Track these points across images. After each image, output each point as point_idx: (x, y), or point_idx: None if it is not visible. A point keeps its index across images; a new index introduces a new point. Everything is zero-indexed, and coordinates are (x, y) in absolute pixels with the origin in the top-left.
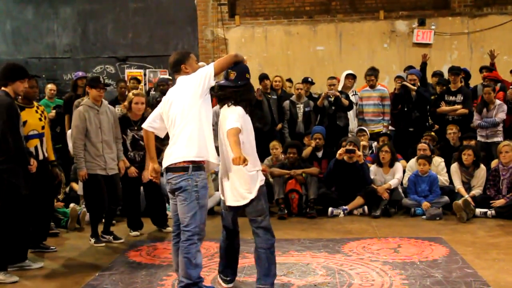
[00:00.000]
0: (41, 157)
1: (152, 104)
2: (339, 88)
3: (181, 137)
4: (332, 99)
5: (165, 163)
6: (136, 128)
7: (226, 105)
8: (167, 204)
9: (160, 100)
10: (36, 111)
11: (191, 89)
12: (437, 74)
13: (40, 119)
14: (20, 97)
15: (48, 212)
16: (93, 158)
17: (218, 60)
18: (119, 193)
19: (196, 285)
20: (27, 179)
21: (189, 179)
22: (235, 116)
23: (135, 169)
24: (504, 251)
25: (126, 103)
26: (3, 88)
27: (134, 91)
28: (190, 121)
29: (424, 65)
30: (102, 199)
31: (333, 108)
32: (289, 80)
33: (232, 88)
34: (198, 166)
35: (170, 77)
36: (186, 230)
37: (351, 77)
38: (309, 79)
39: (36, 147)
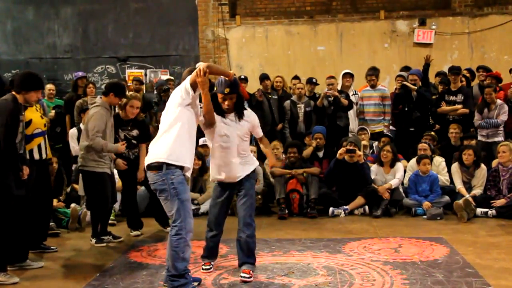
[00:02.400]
0: (44, 156)
1: (147, 105)
2: (338, 88)
3: (160, 140)
4: (332, 99)
5: (145, 163)
6: (128, 128)
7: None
8: None
9: (156, 102)
10: (36, 110)
11: (173, 98)
12: (441, 74)
13: (42, 117)
14: None
15: (48, 211)
16: (100, 157)
17: (192, 74)
18: (115, 191)
19: (182, 276)
20: (20, 180)
21: (164, 178)
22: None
23: (123, 161)
24: (505, 251)
25: (121, 102)
26: (14, 93)
27: (132, 94)
28: (169, 127)
29: (427, 66)
30: (107, 197)
31: (331, 108)
32: (296, 78)
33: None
34: (171, 165)
35: (172, 77)
36: (173, 225)
37: (349, 76)
38: (314, 80)
39: (39, 145)
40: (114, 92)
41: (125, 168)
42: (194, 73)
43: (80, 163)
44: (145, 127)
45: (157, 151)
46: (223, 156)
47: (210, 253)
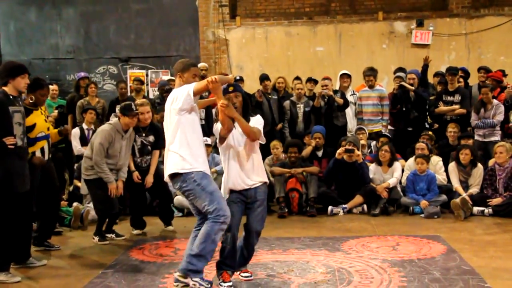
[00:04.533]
0: (46, 157)
1: (154, 105)
2: (336, 88)
3: (171, 153)
4: (326, 99)
5: (165, 173)
6: (144, 134)
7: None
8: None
9: (160, 102)
10: (42, 113)
11: (172, 105)
12: (439, 75)
13: (46, 121)
14: (31, 101)
15: (54, 210)
16: None
17: (199, 82)
18: (124, 195)
19: (204, 258)
20: (23, 177)
21: (186, 178)
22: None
23: (138, 174)
24: (501, 249)
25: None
26: (3, 88)
27: (138, 101)
28: (173, 137)
29: (426, 67)
30: (111, 200)
31: (325, 106)
32: (297, 78)
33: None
34: None
35: (173, 77)
36: (211, 216)
37: (346, 76)
38: (312, 78)
39: (42, 149)
40: (121, 112)
41: (139, 182)
42: (202, 83)
43: (83, 173)
44: (159, 133)
45: (171, 165)
46: (236, 161)
47: (228, 258)
